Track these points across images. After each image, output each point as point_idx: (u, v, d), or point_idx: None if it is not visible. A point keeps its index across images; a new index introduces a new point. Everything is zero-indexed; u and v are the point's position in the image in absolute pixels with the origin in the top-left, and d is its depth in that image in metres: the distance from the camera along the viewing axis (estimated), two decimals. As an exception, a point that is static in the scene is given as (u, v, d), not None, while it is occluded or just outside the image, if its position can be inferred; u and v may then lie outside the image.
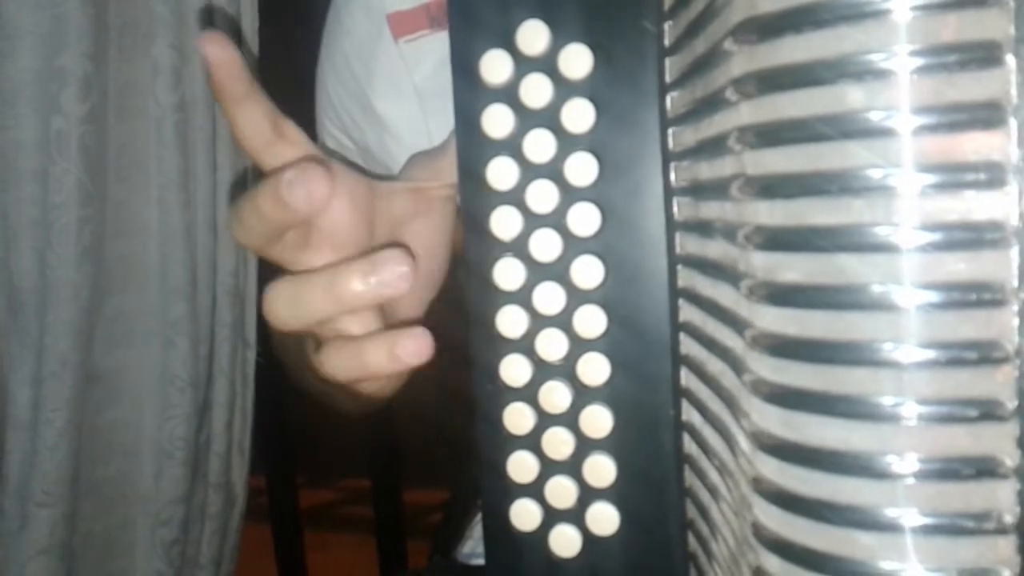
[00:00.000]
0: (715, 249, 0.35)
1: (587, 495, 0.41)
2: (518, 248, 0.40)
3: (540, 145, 0.39)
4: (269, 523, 1.28)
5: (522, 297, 0.40)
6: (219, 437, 1.10)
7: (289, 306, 0.41)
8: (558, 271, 0.40)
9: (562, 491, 0.41)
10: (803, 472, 0.30)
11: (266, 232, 0.42)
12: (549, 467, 0.41)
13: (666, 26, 0.39)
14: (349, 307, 0.42)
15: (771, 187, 0.30)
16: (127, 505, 1.04)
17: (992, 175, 0.26)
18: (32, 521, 0.93)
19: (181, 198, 1.02)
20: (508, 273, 0.40)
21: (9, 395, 0.94)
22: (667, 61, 0.39)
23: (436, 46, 0.62)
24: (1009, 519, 0.27)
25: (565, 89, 0.39)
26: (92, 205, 0.95)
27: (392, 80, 0.64)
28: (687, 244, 0.39)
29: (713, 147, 0.34)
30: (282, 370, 0.78)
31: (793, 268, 0.29)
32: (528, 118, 0.39)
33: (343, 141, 0.68)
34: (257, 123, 0.42)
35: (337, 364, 0.43)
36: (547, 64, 0.39)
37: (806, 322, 0.29)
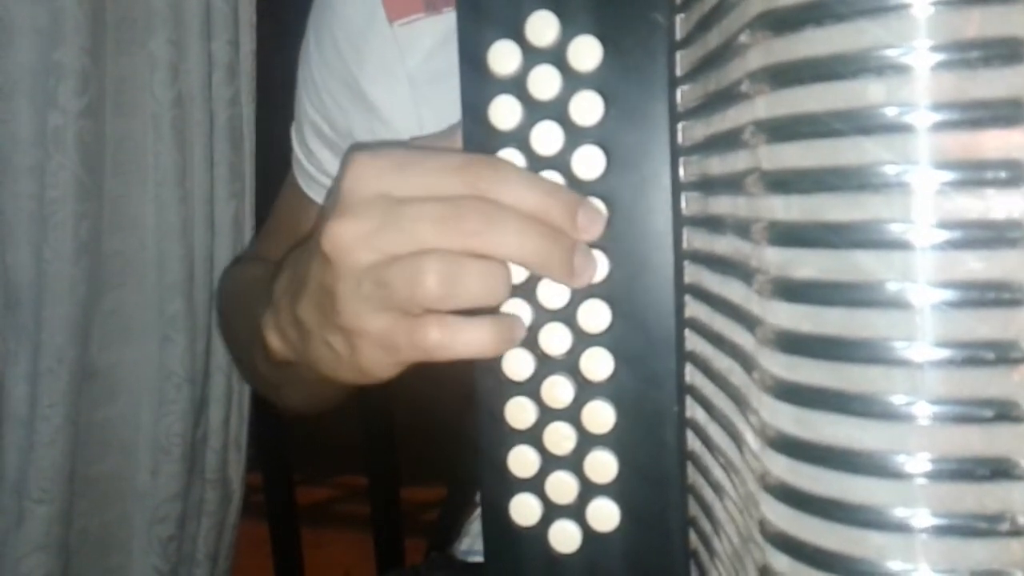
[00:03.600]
0: (725, 245, 0.35)
1: (588, 491, 0.40)
2: (523, 242, 0.40)
3: (547, 137, 0.39)
4: (266, 520, 1.28)
5: (526, 291, 0.40)
6: (216, 433, 1.10)
7: (447, 284, 0.39)
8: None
9: (563, 486, 0.40)
10: (813, 470, 0.29)
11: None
12: (550, 462, 0.41)
13: (677, 19, 0.38)
14: (499, 301, 0.40)
15: (786, 182, 0.29)
16: (123, 501, 1.03)
17: (1012, 173, 0.26)
18: (28, 517, 0.93)
19: (178, 194, 1.02)
20: (512, 267, 0.40)
21: (5, 391, 0.94)
22: (678, 55, 0.38)
23: (431, 30, 0.61)
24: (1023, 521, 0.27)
25: (574, 81, 0.39)
26: (89, 200, 0.95)
27: (384, 64, 0.62)
28: (695, 240, 0.39)
29: (726, 141, 0.34)
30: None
31: (808, 264, 0.29)
32: (536, 110, 0.39)
33: (322, 128, 0.67)
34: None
35: (436, 340, 0.40)
36: (556, 56, 0.39)
37: (820, 319, 0.29)
